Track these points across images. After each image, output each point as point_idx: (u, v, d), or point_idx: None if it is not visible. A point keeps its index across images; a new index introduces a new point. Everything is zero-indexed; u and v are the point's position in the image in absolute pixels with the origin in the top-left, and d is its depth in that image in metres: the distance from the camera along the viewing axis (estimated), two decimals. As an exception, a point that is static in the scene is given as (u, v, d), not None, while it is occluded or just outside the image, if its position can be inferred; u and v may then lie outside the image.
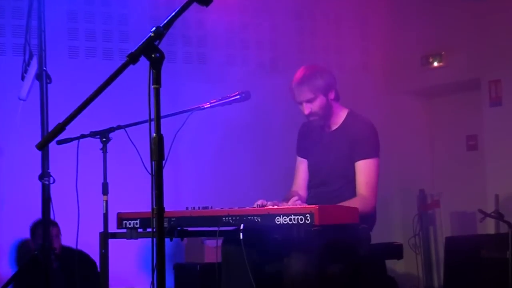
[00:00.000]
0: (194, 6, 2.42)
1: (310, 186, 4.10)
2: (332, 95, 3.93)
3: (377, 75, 7.19)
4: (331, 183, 3.94)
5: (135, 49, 2.30)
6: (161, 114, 2.34)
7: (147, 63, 2.31)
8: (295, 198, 3.76)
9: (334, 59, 7.00)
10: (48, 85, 4.81)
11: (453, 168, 7.04)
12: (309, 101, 3.89)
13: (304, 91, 3.88)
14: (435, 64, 6.86)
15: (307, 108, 3.91)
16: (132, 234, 3.77)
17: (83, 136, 4.08)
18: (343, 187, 3.88)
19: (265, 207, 3.45)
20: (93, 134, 4.05)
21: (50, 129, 4.72)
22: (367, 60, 7.21)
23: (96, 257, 4.05)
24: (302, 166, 4.16)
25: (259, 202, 3.62)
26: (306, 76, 3.89)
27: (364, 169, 3.84)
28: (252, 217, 3.36)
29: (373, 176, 3.85)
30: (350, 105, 4.06)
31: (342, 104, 4.04)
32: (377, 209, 3.98)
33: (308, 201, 4.01)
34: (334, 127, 4.00)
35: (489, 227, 6.13)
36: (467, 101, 6.89)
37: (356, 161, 3.86)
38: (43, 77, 4.75)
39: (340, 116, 3.99)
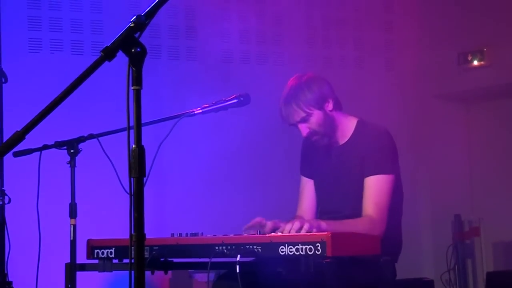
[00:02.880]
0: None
1: (319, 211, 4.13)
2: (329, 106, 3.95)
3: (404, 75, 7.21)
4: (343, 208, 3.96)
5: (111, 42, 2.33)
6: (142, 121, 2.36)
7: (126, 59, 2.34)
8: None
9: (352, 55, 7.03)
10: (4, 84, 4.85)
11: (496, 188, 7.05)
12: (304, 120, 3.93)
13: (294, 111, 3.91)
14: (475, 62, 6.89)
15: (304, 129, 3.94)
16: (105, 265, 3.78)
17: (46, 146, 4.10)
18: (356, 213, 3.89)
19: (267, 234, 3.48)
20: (58, 145, 4.07)
21: (5, 138, 4.74)
22: (392, 56, 7.24)
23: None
24: (307, 188, 4.19)
25: (257, 221, 3.65)
26: (291, 93, 3.92)
27: (374, 187, 3.85)
28: (251, 246, 3.39)
29: (385, 196, 3.86)
30: (370, 111, 4.08)
31: (357, 112, 4.05)
32: (403, 238, 4.01)
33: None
34: (343, 141, 4.02)
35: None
36: (514, 108, 6.93)
37: (365, 177, 3.88)
38: (-2, 75, 4.79)
39: (348, 127, 4.02)
